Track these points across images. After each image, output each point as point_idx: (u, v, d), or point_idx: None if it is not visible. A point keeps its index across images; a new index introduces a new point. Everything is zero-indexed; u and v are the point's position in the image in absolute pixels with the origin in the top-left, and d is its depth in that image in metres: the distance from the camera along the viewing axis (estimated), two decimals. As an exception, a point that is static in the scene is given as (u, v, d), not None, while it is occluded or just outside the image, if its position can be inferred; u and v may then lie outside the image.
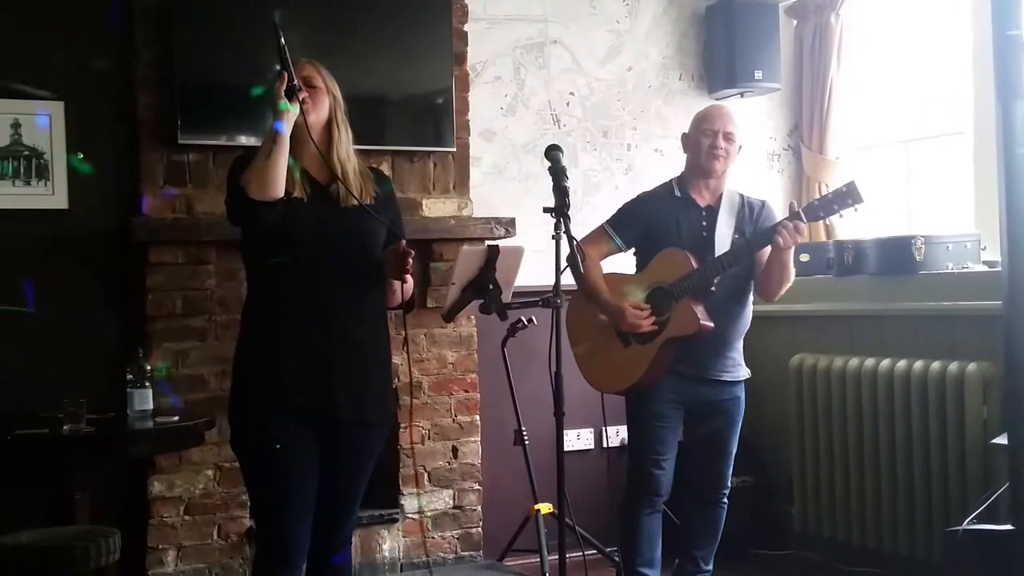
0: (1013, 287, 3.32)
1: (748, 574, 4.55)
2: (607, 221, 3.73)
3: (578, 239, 3.48)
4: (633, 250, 3.74)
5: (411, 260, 2.85)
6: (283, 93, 2.77)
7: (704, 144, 3.62)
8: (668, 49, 5.21)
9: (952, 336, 4.13)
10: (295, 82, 2.79)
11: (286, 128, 2.76)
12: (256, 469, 2.91)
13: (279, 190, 2.78)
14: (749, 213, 3.67)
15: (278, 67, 2.80)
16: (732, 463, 3.73)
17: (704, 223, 3.62)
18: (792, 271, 3.56)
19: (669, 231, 3.60)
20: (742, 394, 3.69)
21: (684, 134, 3.75)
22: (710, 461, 3.68)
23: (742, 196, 3.72)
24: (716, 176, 3.65)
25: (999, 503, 3.53)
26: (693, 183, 3.68)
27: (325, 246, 2.85)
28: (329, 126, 2.94)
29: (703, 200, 3.66)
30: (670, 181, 3.75)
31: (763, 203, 3.74)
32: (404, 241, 2.88)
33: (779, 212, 4.97)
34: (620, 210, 3.76)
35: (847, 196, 3.41)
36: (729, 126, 3.64)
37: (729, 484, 3.74)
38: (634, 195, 3.82)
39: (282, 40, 2.79)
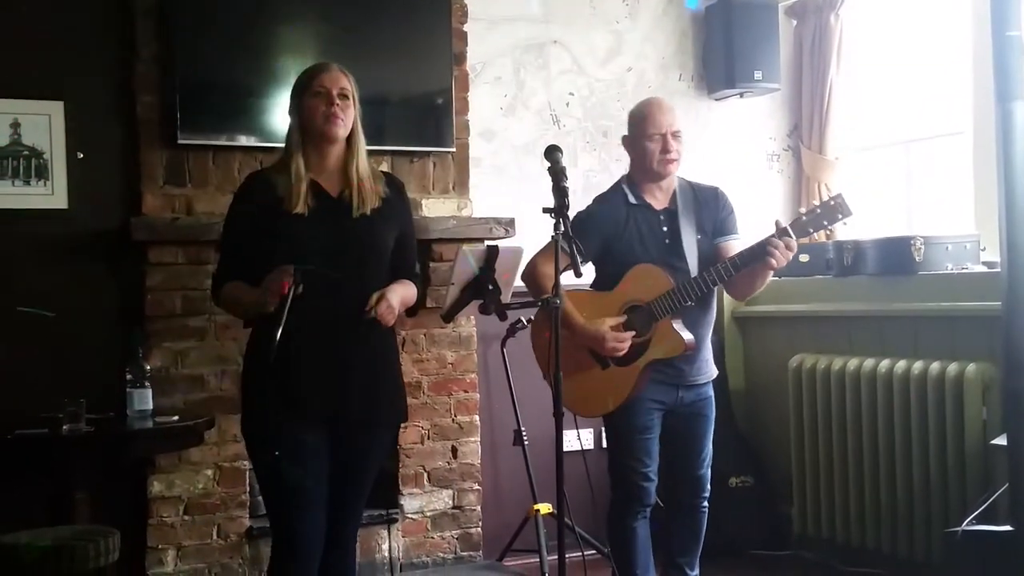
0: (1012, 288, 3.33)
1: (747, 575, 4.55)
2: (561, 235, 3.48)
3: (538, 252, 3.45)
4: (591, 263, 3.54)
5: (380, 318, 2.87)
6: (272, 300, 2.76)
7: (654, 149, 3.44)
8: (668, 49, 5.21)
9: (951, 337, 4.13)
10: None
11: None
12: (268, 472, 2.93)
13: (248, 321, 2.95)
14: (706, 206, 3.54)
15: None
16: (710, 465, 3.62)
17: (665, 228, 3.48)
18: (767, 282, 3.50)
19: (632, 242, 3.46)
20: (712, 393, 3.61)
21: (625, 136, 3.58)
22: (689, 464, 3.57)
23: (691, 186, 3.58)
24: (668, 178, 3.53)
25: (998, 504, 3.53)
26: (645, 186, 3.52)
27: (331, 256, 2.86)
28: (351, 136, 2.95)
29: (659, 203, 3.52)
30: (620, 185, 3.58)
31: (715, 191, 3.60)
32: (373, 298, 2.88)
33: (776, 214, 4.97)
34: (574, 223, 3.40)
35: (836, 210, 3.32)
36: (676, 123, 3.47)
37: (709, 487, 3.63)
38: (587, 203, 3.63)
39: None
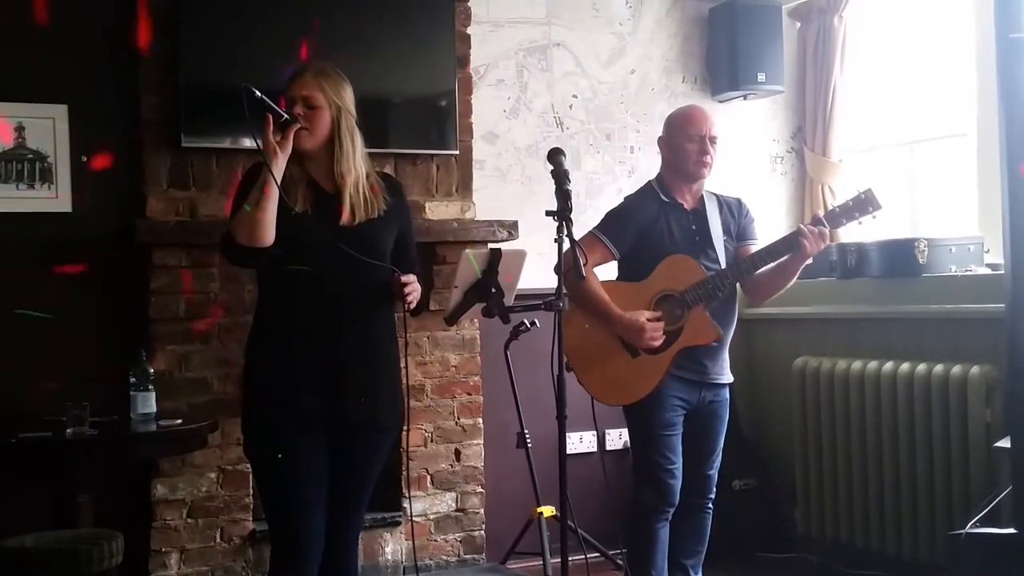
0: (1016, 290, 3.33)
1: (751, 577, 4.55)
2: (597, 228, 3.62)
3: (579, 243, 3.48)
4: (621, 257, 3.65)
5: (409, 290, 2.90)
6: (272, 136, 2.76)
7: (691, 150, 3.53)
8: (671, 51, 5.21)
9: (955, 339, 4.12)
10: (283, 118, 2.78)
11: (276, 175, 2.76)
12: (267, 474, 2.93)
13: (267, 239, 2.79)
14: (730, 212, 3.65)
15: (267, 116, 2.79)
16: (719, 467, 3.68)
17: (694, 227, 3.57)
18: (792, 282, 3.56)
19: (662, 236, 3.54)
20: (728, 396, 3.67)
21: (661, 137, 3.66)
22: (699, 465, 3.61)
23: (717, 196, 3.68)
24: (700, 182, 3.61)
25: (1001, 507, 3.54)
26: (675, 186, 3.61)
27: (330, 257, 2.85)
28: (331, 140, 2.91)
29: (688, 203, 3.60)
30: (650, 185, 3.67)
31: (739, 201, 3.71)
32: (398, 273, 2.90)
33: (780, 216, 4.98)
34: (610, 216, 3.66)
35: (867, 203, 3.43)
36: (713, 129, 3.56)
37: (715, 489, 3.67)
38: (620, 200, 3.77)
39: (258, 94, 2.75)
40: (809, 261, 3.50)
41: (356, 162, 2.94)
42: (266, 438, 2.88)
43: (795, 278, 3.55)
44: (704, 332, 3.48)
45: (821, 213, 3.49)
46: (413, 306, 2.97)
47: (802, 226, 3.45)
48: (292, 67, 3.10)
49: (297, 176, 2.87)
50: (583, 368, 3.56)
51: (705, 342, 3.48)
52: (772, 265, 3.54)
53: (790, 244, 3.45)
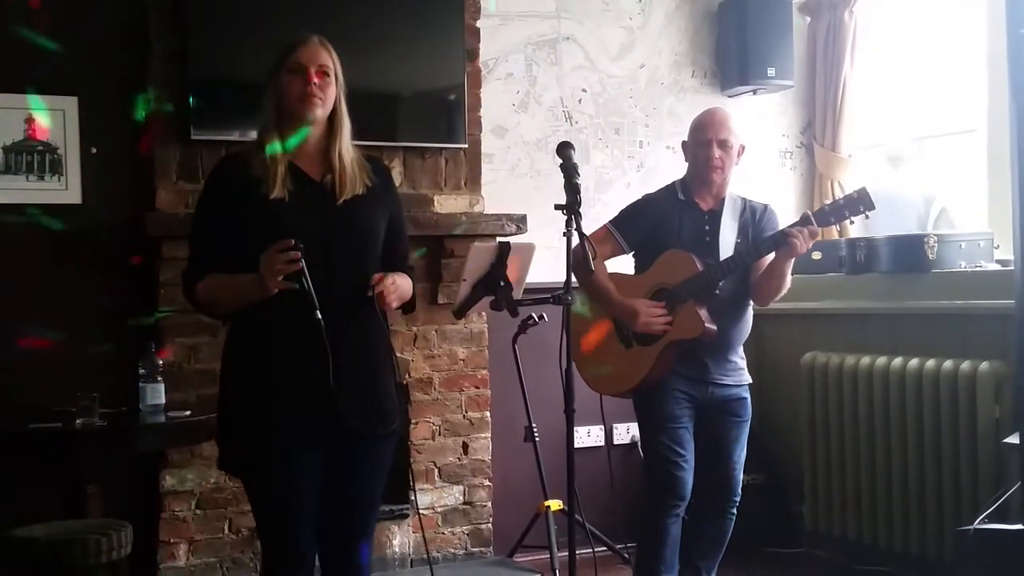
0: (1026, 286, 3.32)
1: (759, 572, 4.54)
2: (611, 222, 3.69)
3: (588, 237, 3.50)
4: (633, 252, 3.70)
5: (386, 294, 2.62)
6: (278, 278, 2.49)
7: (700, 156, 3.57)
8: (681, 46, 5.20)
9: (964, 335, 4.11)
10: (313, 305, 2.51)
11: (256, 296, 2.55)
12: (261, 486, 2.67)
13: (226, 317, 2.72)
14: (752, 217, 3.64)
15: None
16: (742, 470, 3.65)
17: (707, 227, 3.58)
18: (788, 281, 3.54)
19: (671, 234, 3.57)
20: (748, 396, 3.65)
21: (684, 141, 3.70)
22: (716, 464, 3.59)
23: (744, 200, 3.67)
24: (716, 185, 3.62)
25: (1010, 503, 3.53)
26: (696, 187, 3.63)
27: (317, 245, 2.54)
28: (333, 116, 2.70)
29: (706, 204, 3.62)
30: (674, 183, 3.71)
31: (765, 207, 3.70)
32: (376, 277, 2.63)
33: (789, 211, 4.98)
34: (624, 211, 3.72)
35: (858, 202, 3.40)
36: (722, 133, 3.54)
37: (739, 493, 3.63)
38: (639, 196, 3.80)
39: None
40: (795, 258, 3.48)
41: (349, 139, 2.72)
42: (256, 450, 2.61)
43: (787, 279, 3.52)
44: (691, 326, 3.47)
45: (811, 212, 3.48)
46: (395, 306, 2.70)
47: (794, 225, 3.41)
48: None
49: (276, 157, 2.63)
50: (577, 356, 3.57)
51: (691, 336, 3.48)
52: (765, 267, 3.53)
53: (778, 241, 3.44)
